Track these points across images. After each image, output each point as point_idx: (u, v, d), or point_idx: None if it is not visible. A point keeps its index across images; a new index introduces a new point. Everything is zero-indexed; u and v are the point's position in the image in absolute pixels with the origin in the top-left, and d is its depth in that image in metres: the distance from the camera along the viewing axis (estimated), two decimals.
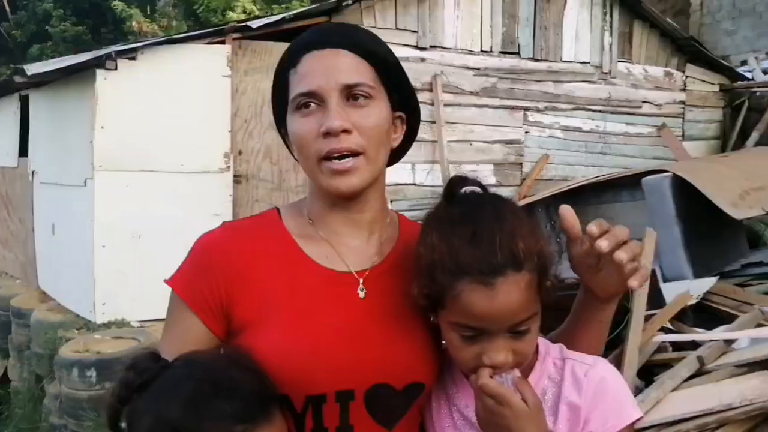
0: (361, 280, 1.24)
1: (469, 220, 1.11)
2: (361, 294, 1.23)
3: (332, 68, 1.19)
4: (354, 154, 1.19)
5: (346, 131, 1.18)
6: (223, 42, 6.14)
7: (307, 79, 1.20)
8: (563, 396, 1.19)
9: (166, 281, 1.25)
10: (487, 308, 1.08)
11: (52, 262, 7.01)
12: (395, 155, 1.33)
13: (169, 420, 1.04)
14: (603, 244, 1.12)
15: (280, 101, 1.27)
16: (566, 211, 1.18)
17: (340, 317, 1.20)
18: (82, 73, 5.95)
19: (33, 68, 6.19)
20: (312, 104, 1.19)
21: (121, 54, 5.74)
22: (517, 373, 1.12)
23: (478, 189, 1.19)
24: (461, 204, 1.16)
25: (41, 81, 6.59)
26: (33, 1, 16.74)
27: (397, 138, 1.30)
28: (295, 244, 1.26)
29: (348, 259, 1.25)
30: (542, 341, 1.25)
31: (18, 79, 6.43)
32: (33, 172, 7.37)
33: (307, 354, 1.16)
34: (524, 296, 1.09)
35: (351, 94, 1.19)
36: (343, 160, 1.19)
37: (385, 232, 1.31)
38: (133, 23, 15.03)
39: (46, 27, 15.92)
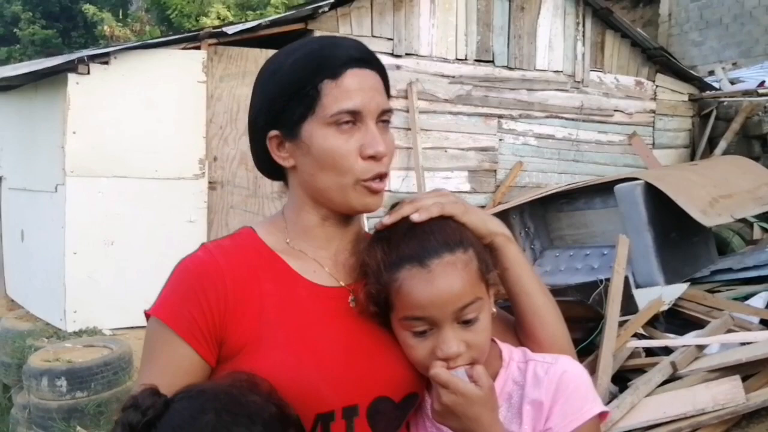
0: (351, 291, 1.24)
1: (402, 225, 1.19)
2: (353, 304, 1.23)
3: (374, 90, 1.21)
4: (385, 176, 1.23)
5: (384, 155, 1.22)
6: (198, 47, 6.09)
7: (353, 97, 1.18)
8: (526, 396, 1.20)
9: (146, 312, 1.19)
10: (428, 293, 1.12)
11: (20, 269, 6.89)
12: None
13: None
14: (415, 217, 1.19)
15: (297, 107, 1.20)
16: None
17: (337, 331, 1.20)
18: (53, 77, 5.87)
19: (2, 71, 6.10)
20: (351, 123, 1.19)
21: (93, 58, 5.67)
22: (462, 371, 1.13)
23: None
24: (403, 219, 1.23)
25: (10, 85, 6.49)
26: (1, 3, 16.48)
27: None
28: (281, 260, 1.24)
29: (334, 273, 1.25)
30: (505, 347, 1.27)
31: None
32: (1, 178, 7.25)
33: (313, 372, 1.15)
34: (462, 277, 1.13)
35: (381, 118, 1.22)
36: (378, 182, 1.22)
37: (363, 243, 1.31)
38: (105, 27, 14.83)
39: (15, 30, 15.67)
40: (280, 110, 1.21)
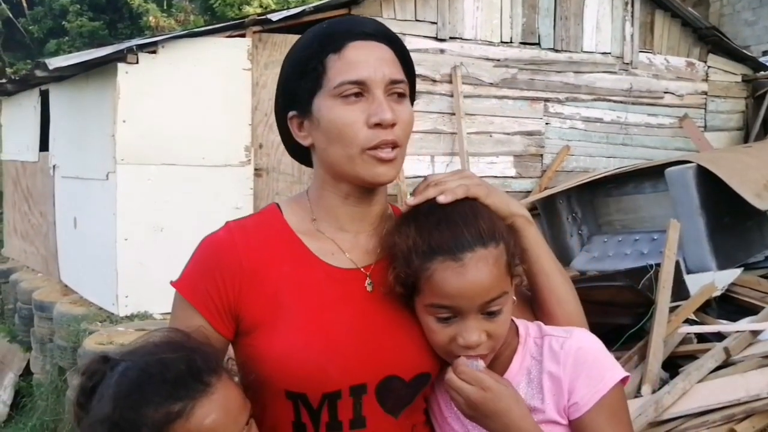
0: (368, 274, 1.26)
1: (435, 210, 1.20)
2: (369, 288, 1.25)
3: (380, 61, 1.22)
4: (395, 146, 1.22)
5: (393, 124, 1.21)
6: (243, 35, 6.15)
7: (356, 68, 1.20)
8: (543, 370, 1.23)
9: (172, 283, 1.26)
10: (458, 285, 1.14)
11: (74, 255, 7.07)
12: None
13: (105, 417, 1.04)
14: (441, 199, 1.21)
15: (306, 84, 1.24)
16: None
17: (350, 313, 1.22)
18: (103, 67, 5.99)
19: (55, 62, 6.23)
20: (358, 93, 1.20)
21: (142, 48, 5.76)
22: (482, 364, 1.17)
23: None
24: (428, 200, 1.24)
25: (62, 75, 6.64)
26: None
27: None
28: (299, 242, 1.26)
29: (353, 255, 1.27)
30: (521, 323, 1.30)
31: (39, 73, 6.48)
32: (54, 166, 7.43)
33: (320, 353, 1.18)
34: (493, 272, 1.16)
35: (392, 89, 1.22)
36: (387, 151, 1.21)
37: (386, 224, 1.32)
38: (150, 18, 15.05)
39: (63, 22, 15.98)
40: (294, 90, 1.26)
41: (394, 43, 1.27)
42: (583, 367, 1.20)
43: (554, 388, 1.21)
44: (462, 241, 1.15)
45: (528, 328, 1.29)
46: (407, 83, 1.26)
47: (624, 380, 1.21)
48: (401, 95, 1.24)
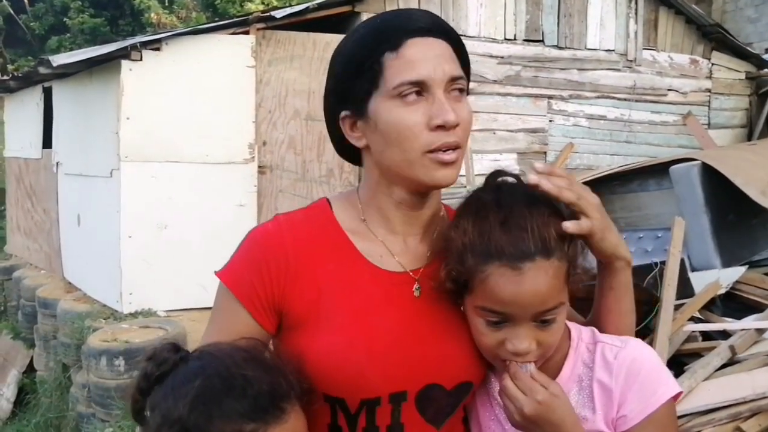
0: (417, 279, 1.22)
1: (502, 207, 1.12)
2: (416, 293, 1.21)
3: (439, 58, 1.16)
4: (457, 147, 1.16)
5: (456, 125, 1.15)
6: (247, 32, 6.14)
7: (415, 67, 1.14)
8: (595, 378, 1.18)
9: (216, 273, 1.22)
10: (513, 293, 1.08)
11: (77, 252, 7.07)
12: None
13: (178, 418, 1.02)
14: (544, 183, 1.13)
15: (362, 84, 1.17)
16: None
17: (394, 318, 1.18)
18: (106, 65, 5.99)
19: (59, 59, 6.23)
20: (418, 93, 1.14)
21: (146, 45, 5.76)
22: (533, 367, 1.13)
23: (513, 180, 1.20)
24: (495, 192, 1.17)
25: (65, 72, 6.63)
26: None
27: None
28: (348, 241, 1.22)
29: (402, 258, 1.22)
30: (574, 327, 1.25)
31: (42, 70, 6.48)
32: (57, 163, 7.43)
33: (362, 359, 1.14)
34: (551, 284, 1.09)
35: (452, 86, 1.17)
36: (449, 153, 1.15)
37: (438, 227, 1.27)
38: (152, 15, 15.05)
39: (64, 19, 15.99)
40: (347, 89, 1.19)
41: (451, 37, 1.20)
42: (635, 379, 1.15)
43: (604, 398, 1.17)
44: (523, 249, 1.08)
45: (581, 332, 1.24)
46: (466, 79, 1.21)
47: (677, 396, 1.17)
48: (461, 91, 1.18)
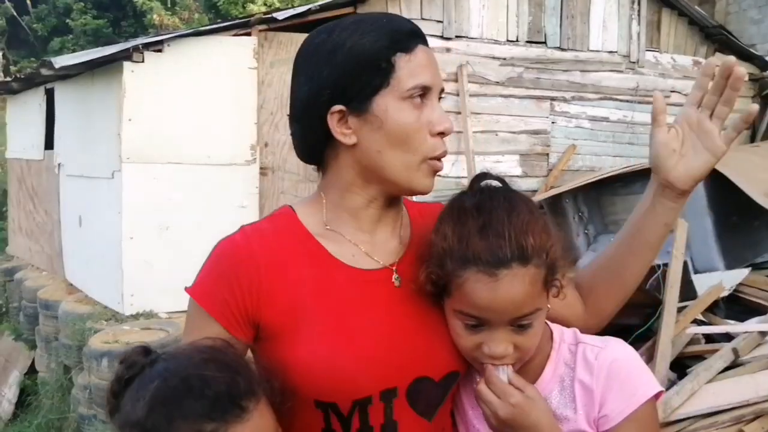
0: (395, 269, 1.23)
1: (482, 213, 1.13)
2: (397, 282, 1.22)
3: (437, 68, 1.22)
4: (444, 156, 1.22)
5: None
6: (249, 34, 6.15)
7: (426, 72, 1.18)
8: (576, 378, 1.20)
9: (186, 289, 1.21)
10: (489, 299, 1.10)
11: (79, 253, 7.08)
12: None
13: (136, 421, 1.02)
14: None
15: (370, 79, 1.16)
16: (659, 96, 1.27)
17: (376, 316, 1.18)
18: (108, 66, 5.99)
19: (61, 61, 6.24)
20: (422, 98, 1.18)
21: (148, 46, 5.77)
22: (510, 370, 1.15)
23: (497, 183, 1.21)
24: (476, 196, 1.18)
25: (67, 74, 6.64)
26: None
27: None
28: (319, 245, 1.21)
29: (375, 255, 1.23)
30: (557, 328, 1.26)
31: (45, 71, 6.49)
32: (59, 165, 7.44)
33: (348, 360, 1.14)
34: (528, 291, 1.11)
35: (440, 97, 1.23)
36: (441, 162, 1.21)
37: (402, 221, 1.30)
38: (154, 16, 15.08)
39: (67, 20, 16.05)
40: (350, 84, 1.17)
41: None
42: (616, 379, 1.17)
43: (586, 399, 1.18)
44: (500, 255, 1.10)
45: (563, 333, 1.26)
46: None
47: (658, 395, 1.18)
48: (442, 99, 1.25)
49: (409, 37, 1.18)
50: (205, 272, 1.20)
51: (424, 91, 1.17)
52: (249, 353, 1.22)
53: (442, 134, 1.18)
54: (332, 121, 1.18)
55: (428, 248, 1.17)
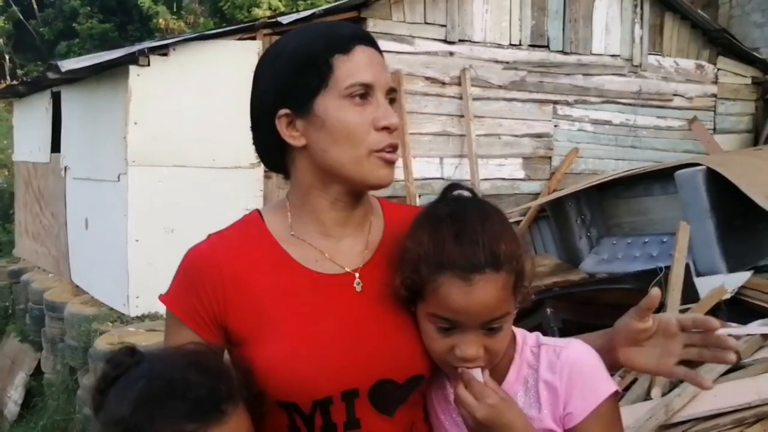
0: (357, 275, 1.26)
1: (456, 221, 1.18)
2: (358, 288, 1.25)
3: (382, 67, 1.25)
4: (396, 148, 1.25)
5: (396, 128, 1.24)
6: (253, 38, 6.17)
7: (365, 71, 1.21)
8: (540, 378, 1.23)
9: (160, 298, 1.27)
10: (463, 302, 1.14)
11: (85, 256, 7.12)
12: None
13: (120, 418, 1.06)
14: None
15: (309, 82, 1.21)
16: (655, 294, 1.24)
17: (337, 319, 1.22)
18: (114, 70, 6.03)
19: (67, 64, 6.28)
20: (363, 96, 1.21)
21: (153, 50, 5.80)
22: (486, 373, 1.18)
23: (467, 194, 1.27)
24: (450, 205, 1.23)
25: (74, 77, 6.68)
26: None
27: None
28: (281, 250, 1.26)
29: (338, 259, 1.26)
30: (519, 332, 1.30)
31: (51, 75, 6.53)
32: (65, 168, 7.48)
33: (307, 363, 1.18)
34: (499, 295, 1.16)
35: (389, 96, 1.26)
36: (392, 153, 1.24)
37: (372, 224, 1.32)
38: (160, 20, 15.10)
39: (73, 24, 16.06)
40: (290, 87, 1.22)
41: (382, 55, 1.30)
42: (578, 377, 1.20)
43: (550, 397, 1.21)
44: (474, 261, 1.14)
45: (525, 337, 1.30)
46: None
47: (616, 394, 1.22)
48: (392, 102, 1.26)
49: (350, 39, 1.22)
50: (177, 281, 1.27)
51: (366, 89, 1.21)
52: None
53: (387, 129, 1.22)
54: (281, 125, 1.24)
55: (402, 253, 1.21)
